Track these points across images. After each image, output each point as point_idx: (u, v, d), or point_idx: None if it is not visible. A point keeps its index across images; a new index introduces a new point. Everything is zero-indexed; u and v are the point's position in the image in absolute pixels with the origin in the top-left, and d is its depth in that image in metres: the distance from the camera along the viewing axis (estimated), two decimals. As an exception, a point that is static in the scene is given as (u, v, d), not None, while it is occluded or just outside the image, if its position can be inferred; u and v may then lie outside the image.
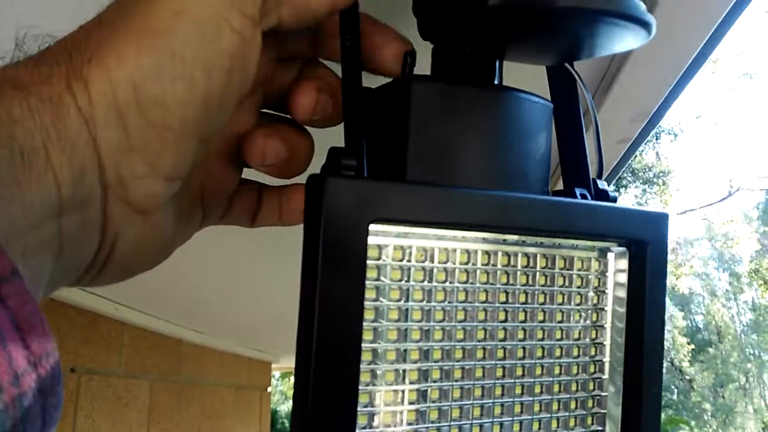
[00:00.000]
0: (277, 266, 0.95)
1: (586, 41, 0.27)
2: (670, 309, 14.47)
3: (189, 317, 1.47)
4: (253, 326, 1.57)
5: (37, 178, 0.20)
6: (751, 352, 14.05)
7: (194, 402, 1.68)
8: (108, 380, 1.25)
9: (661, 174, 9.93)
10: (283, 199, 0.30)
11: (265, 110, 0.30)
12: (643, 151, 10.14)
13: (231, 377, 1.85)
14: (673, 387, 13.40)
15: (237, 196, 0.31)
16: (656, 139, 10.19)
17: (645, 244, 0.31)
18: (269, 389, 2.33)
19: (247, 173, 0.31)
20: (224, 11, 0.23)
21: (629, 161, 0.89)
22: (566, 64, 0.33)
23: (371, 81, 0.30)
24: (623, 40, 0.26)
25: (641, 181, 9.97)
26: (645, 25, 0.24)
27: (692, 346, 13.77)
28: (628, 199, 10.28)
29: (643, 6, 0.24)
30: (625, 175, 10.00)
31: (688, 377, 13.81)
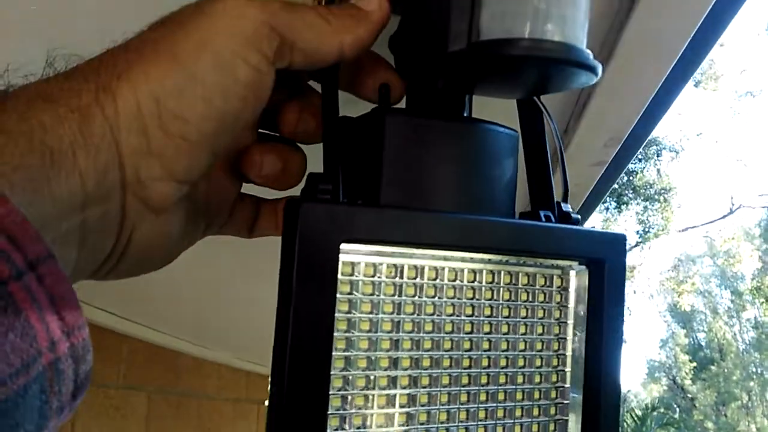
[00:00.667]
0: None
1: (542, 82, 0.30)
2: (672, 326, 14.42)
3: (187, 330, 1.49)
4: (252, 339, 1.59)
5: (66, 177, 0.23)
6: (754, 370, 13.97)
7: (192, 415, 1.70)
8: (106, 392, 1.27)
9: (662, 191, 9.94)
10: (279, 210, 0.34)
11: (262, 130, 0.33)
12: (644, 168, 10.17)
13: (229, 390, 1.86)
14: (675, 405, 13.31)
15: (237, 207, 0.34)
16: (657, 157, 10.22)
17: (603, 263, 0.34)
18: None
19: (247, 188, 0.34)
20: (242, 48, 0.26)
21: (615, 182, 0.91)
22: (534, 97, 0.36)
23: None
24: (575, 80, 0.29)
25: (642, 198, 9.98)
26: (591, 69, 0.27)
27: (694, 364, 13.70)
28: (629, 215, 10.29)
29: (587, 52, 0.27)
30: (626, 192, 10.01)
31: (690, 395, 13.72)
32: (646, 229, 10.13)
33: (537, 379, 0.34)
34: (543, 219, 0.35)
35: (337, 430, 0.29)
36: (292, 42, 0.28)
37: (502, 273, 0.33)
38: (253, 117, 0.29)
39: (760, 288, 11.57)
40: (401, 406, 0.31)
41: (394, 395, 0.30)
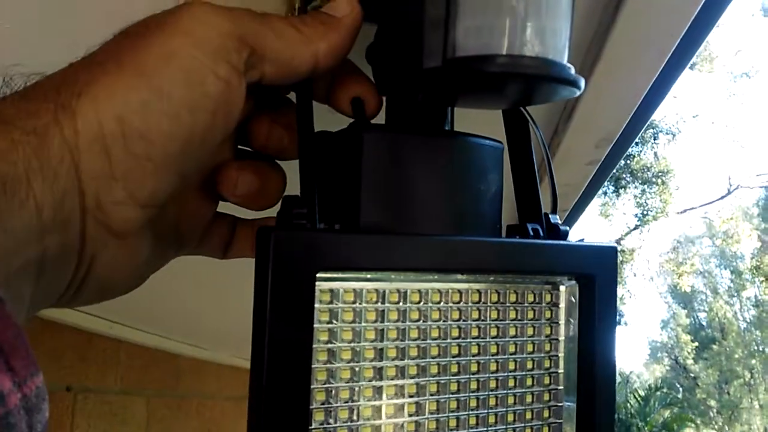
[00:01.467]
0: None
1: (522, 96, 0.28)
2: (673, 307, 14.46)
3: (184, 332, 1.48)
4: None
5: (20, 205, 0.22)
6: (755, 348, 14.03)
7: (193, 416, 1.70)
8: (104, 397, 1.27)
9: (660, 174, 9.93)
10: (254, 232, 0.32)
11: (242, 147, 0.32)
12: (641, 151, 10.15)
13: (230, 389, 1.86)
14: (677, 385, 13.38)
15: (212, 227, 0.32)
16: (654, 140, 10.20)
17: (593, 278, 0.33)
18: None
19: (224, 207, 0.32)
20: (210, 60, 0.25)
21: (606, 179, 0.90)
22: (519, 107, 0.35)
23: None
24: (556, 94, 0.27)
25: (640, 181, 9.98)
26: (572, 83, 0.26)
27: (696, 344, 13.75)
28: (627, 199, 10.29)
29: (568, 67, 0.26)
30: (624, 176, 10.01)
31: (692, 375, 13.79)
32: (645, 212, 10.13)
33: (528, 399, 0.33)
34: (531, 233, 0.34)
35: (319, 465, 0.28)
36: (262, 52, 0.26)
37: (490, 292, 0.32)
38: (224, 133, 0.27)
39: (759, 267, 11.59)
40: (387, 436, 0.30)
41: (380, 426, 0.29)
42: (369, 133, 0.30)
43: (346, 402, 0.29)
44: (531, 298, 0.34)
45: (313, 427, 0.28)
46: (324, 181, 0.31)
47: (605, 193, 10.28)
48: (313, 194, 0.28)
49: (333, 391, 0.28)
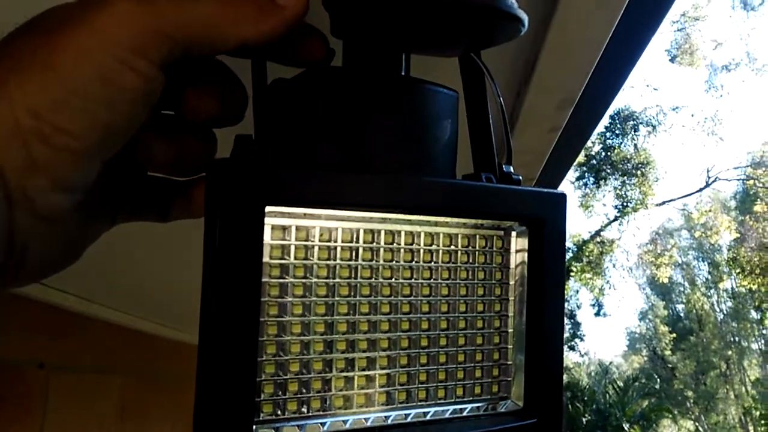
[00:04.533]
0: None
1: (468, 34, 0.29)
2: (651, 299, 14.65)
3: (161, 313, 1.48)
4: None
5: None
6: (732, 339, 14.27)
7: (169, 397, 1.70)
8: (79, 376, 1.26)
9: (639, 165, 10.03)
10: (192, 192, 0.32)
11: (165, 111, 0.30)
12: (621, 143, 10.24)
13: (207, 373, 1.85)
14: (655, 376, 13.58)
15: (145, 193, 0.32)
16: (634, 132, 10.29)
17: (542, 222, 0.34)
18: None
19: None
20: (128, 56, 0.24)
21: (580, 151, 0.91)
22: (472, 54, 0.36)
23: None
24: (500, 31, 0.28)
25: (620, 173, 10.07)
26: (515, 18, 0.27)
27: (674, 335, 13.96)
28: (607, 190, 10.38)
29: (512, 2, 0.27)
30: (604, 167, 10.09)
31: (670, 365, 14.00)
32: (624, 204, 10.23)
33: (479, 340, 0.34)
34: (484, 180, 0.35)
35: (272, 405, 0.29)
36: (184, 42, 0.25)
37: (441, 235, 0.33)
38: (142, 121, 0.26)
39: (736, 259, 11.77)
40: (339, 371, 0.30)
41: (331, 359, 0.30)
42: (327, 74, 0.31)
43: (298, 336, 0.29)
44: (482, 243, 0.34)
45: (263, 358, 0.28)
46: (280, 126, 0.32)
47: (585, 185, 10.36)
48: (266, 133, 0.29)
49: (284, 326, 0.29)
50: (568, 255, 10.46)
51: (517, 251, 0.35)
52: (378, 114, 0.31)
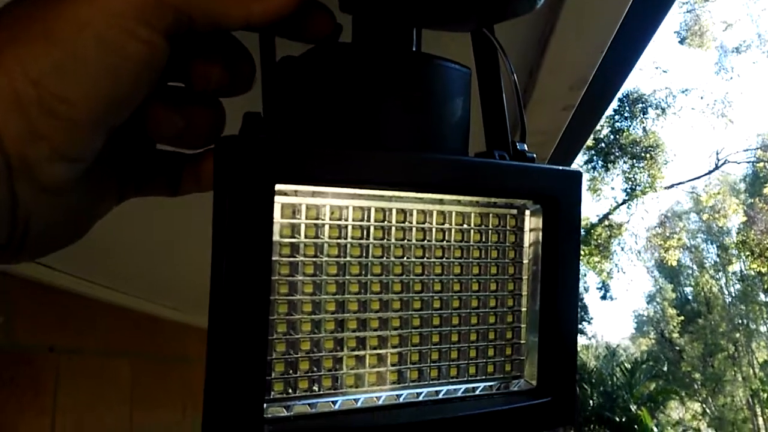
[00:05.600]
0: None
1: (480, 7, 0.28)
2: (660, 282, 14.61)
3: (170, 296, 1.48)
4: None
5: None
6: (740, 321, 14.24)
7: (177, 379, 1.71)
8: (88, 359, 1.27)
9: (649, 148, 9.96)
10: (202, 165, 0.31)
11: (172, 84, 0.31)
12: (630, 126, 10.16)
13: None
14: (663, 358, 13.59)
15: (154, 168, 0.31)
16: (644, 114, 10.21)
17: (557, 200, 0.33)
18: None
19: None
20: (130, 24, 0.24)
21: (592, 130, 0.90)
22: (484, 30, 0.35)
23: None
24: (512, 6, 0.27)
25: (629, 156, 10.01)
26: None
27: (682, 318, 13.95)
28: (616, 174, 10.33)
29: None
30: (613, 150, 10.03)
31: (678, 348, 14.00)
32: (633, 187, 10.18)
33: (492, 319, 0.34)
34: (497, 158, 0.34)
35: (283, 383, 0.28)
36: (188, 13, 0.25)
37: (453, 213, 0.32)
38: (151, 88, 0.26)
39: (745, 242, 11.71)
40: (350, 350, 0.30)
41: (342, 338, 0.30)
42: (337, 50, 0.30)
43: (309, 315, 0.29)
44: (495, 222, 0.34)
45: (274, 337, 0.28)
46: (289, 105, 0.31)
47: (594, 168, 10.30)
48: (275, 110, 0.28)
49: (295, 304, 0.29)
50: (576, 238, 10.41)
51: (531, 230, 0.34)
52: (388, 91, 0.31)
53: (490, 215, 0.34)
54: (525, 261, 0.35)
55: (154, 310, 1.54)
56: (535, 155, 0.35)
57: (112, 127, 0.26)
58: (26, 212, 0.25)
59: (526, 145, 0.36)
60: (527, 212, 0.34)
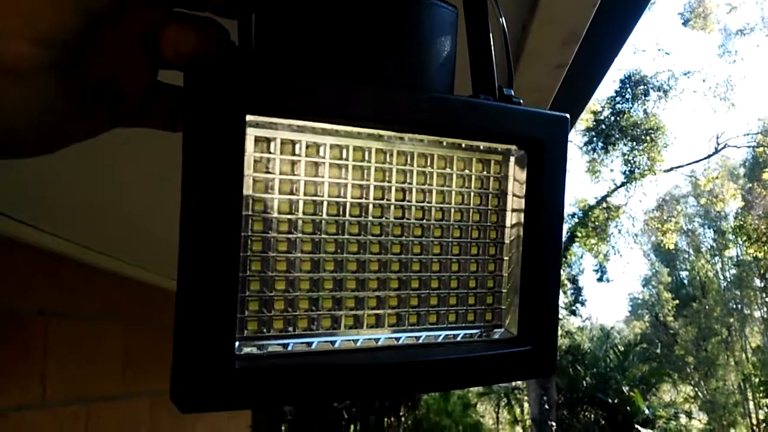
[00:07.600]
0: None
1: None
2: (656, 265, 14.66)
3: (161, 264, 1.48)
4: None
5: None
6: (734, 306, 14.31)
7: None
8: (79, 323, 1.27)
9: (649, 131, 9.92)
10: None
11: (179, 9, 0.30)
12: (631, 108, 10.11)
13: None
14: (657, 341, 13.67)
15: (156, 98, 0.30)
16: (645, 96, 10.16)
17: (542, 145, 0.32)
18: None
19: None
20: None
21: (593, 91, 0.89)
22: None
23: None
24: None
25: (629, 138, 9.97)
26: None
27: (677, 302, 14.01)
28: (616, 156, 10.30)
29: None
30: (613, 132, 9.99)
31: (672, 331, 14.08)
32: (632, 169, 10.16)
33: (473, 267, 0.33)
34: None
35: (256, 322, 0.28)
36: None
37: (435, 157, 0.32)
38: None
39: (742, 227, 11.72)
40: (327, 291, 0.29)
41: (318, 279, 0.29)
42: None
43: (284, 253, 0.28)
44: (479, 168, 0.33)
45: (248, 274, 0.27)
46: (266, 35, 0.30)
47: (594, 149, 10.27)
48: (250, 41, 0.27)
49: (269, 242, 0.28)
50: (574, 220, 10.42)
51: (515, 178, 0.34)
52: (370, 24, 0.30)
53: (473, 160, 0.33)
54: (508, 209, 0.34)
55: (150, 278, 1.53)
56: (522, 100, 0.34)
57: (89, 11, 0.25)
58: None
59: (513, 91, 0.35)
60: (512, 159, 0.34)
